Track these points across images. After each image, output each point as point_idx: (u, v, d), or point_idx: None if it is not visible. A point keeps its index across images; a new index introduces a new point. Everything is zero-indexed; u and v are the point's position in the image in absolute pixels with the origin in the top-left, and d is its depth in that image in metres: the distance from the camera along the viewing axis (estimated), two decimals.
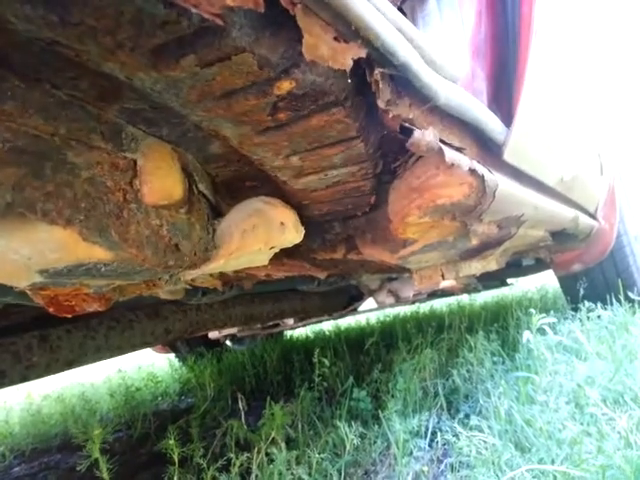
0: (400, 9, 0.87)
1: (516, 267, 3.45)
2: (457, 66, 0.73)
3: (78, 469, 1.44)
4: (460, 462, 1.15)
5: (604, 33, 2.16)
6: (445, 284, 3.55)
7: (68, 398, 3.55)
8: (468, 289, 3.56)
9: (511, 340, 2.56)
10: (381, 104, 0.57)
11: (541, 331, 2.57)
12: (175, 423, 2.40)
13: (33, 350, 1.32)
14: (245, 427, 1.73)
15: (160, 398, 3.39)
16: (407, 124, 0.63)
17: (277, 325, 3.81)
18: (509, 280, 3.89)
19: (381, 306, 3.72)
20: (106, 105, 0.52)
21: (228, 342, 4.68)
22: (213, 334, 3.83)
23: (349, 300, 3.63)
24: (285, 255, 1.07)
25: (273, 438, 1.33)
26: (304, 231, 0.82)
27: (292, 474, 1.04)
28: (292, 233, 0.77)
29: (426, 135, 0.64)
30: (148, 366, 4.37)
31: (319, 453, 1.11)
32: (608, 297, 2.84)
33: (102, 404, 3.39)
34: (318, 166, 0.76)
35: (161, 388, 3.53)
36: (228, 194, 0.88)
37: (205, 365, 3.76)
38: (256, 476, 1.19)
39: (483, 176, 0.83)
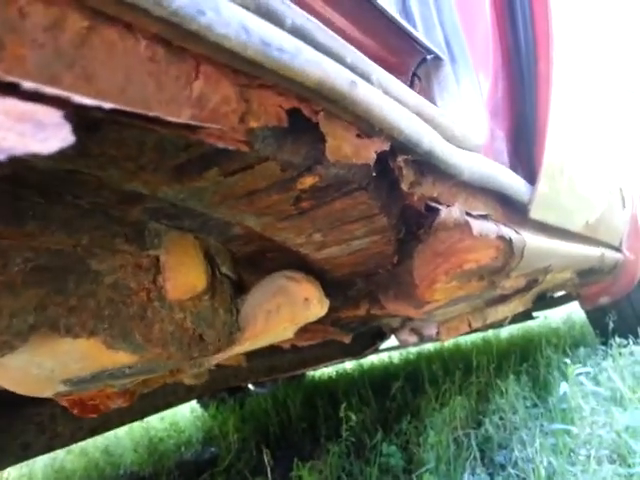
0: (415, 74, 0.88)
1: (541, 300, 3.36)
2: (477, 134, 0.72)
3: None
4: None
5: (620, 69, 2.15)
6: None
7: (92, 452, 3.50)
8: (493, 325, 3.48)
9: (542, 380, 2.47)
10: (404, 187, 0.56)
11: (570, 382, 2.48)
12: (200, 476, 2.35)
13: (57, 420, 1.30)
14: None
15: (183, 448, 3.32)
16: (432, 203, 0.61)
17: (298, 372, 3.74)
18: (535, 313, 3.80)
19: (404, 344, 3.65)
20: (128, 208, 0.51)
21: (250, 386, 4.62)
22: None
23: (371, 340, 3.57)
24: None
25: None
26: (328, 302, 0.80)
27: None
28: (317, 308, 0.75)
29: (452, 212, 0.63)
30: (171, 415, 4.33)
31: None
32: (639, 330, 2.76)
33: (125, 457, 3.34)
34: (341, 239, 0.75)
35: (184, 437, 3.47)
36: (249, 267, 0.87)
37: (228, 412, 3.69)
38: None
39: (510, 239, 0.81)
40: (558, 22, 0.97)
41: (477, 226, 0.69)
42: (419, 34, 0.69)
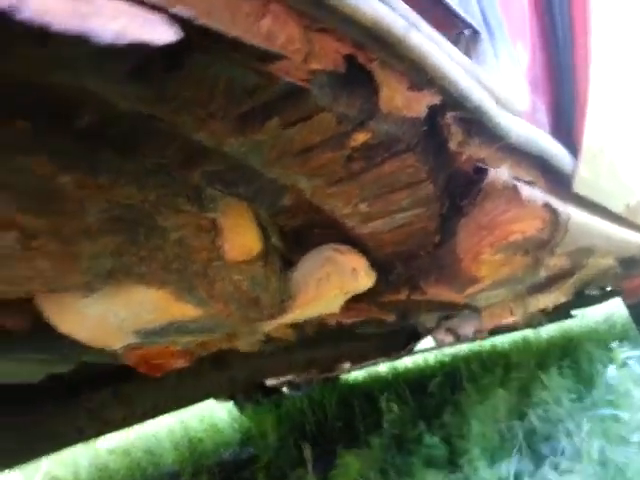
0: None
1: (580, 298, 3.29)
2: (521, 100, 0.73)
3: None
4: None
5: None
6: (508, 319, 3.40)
7: (134, 452, 3.57)
8: (532, 323, 3.41)
9: (585, 375, 2.41)
10: (452, 146, 0.57)
11: (617, 366, 2.41)
12: (239, 474, 2.37)
13: (108, 405, 1.35)
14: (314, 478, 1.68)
15: (222, 448, 3.36)
16: (479, 164, 0.62)
17: (334, 369, 3.74)
18: (573, 312, 3.71)
19: (440, 345, 3.61)
20: (189, 170, 0.54)
21: (285, 389, 4.63)
22: (270, 381, 3.81)
23: (407, 340, 3.55)
24: (352, 300, 1.06)
25: None
26: (374, 275, 0.82)
27: None
28: (364, 279, 0.77)
29: (500, 174, 0.64)
30: (209, 416, 4.38)
31: None
32: None
33: (166, 457, 3.39)
34: (385, 210, 0.76)
35: (222, 438, 3.51)
36: (296, 242, 0.89)
37: (264, 413, 3.72)
38: None
39: (556, 209, 0.81)
40: None
41: (525, 191, 0.70)
42: (456, 7, 0.70)
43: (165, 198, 0.52)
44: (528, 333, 4.44)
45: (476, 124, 0.58)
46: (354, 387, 4.13)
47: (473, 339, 3.58)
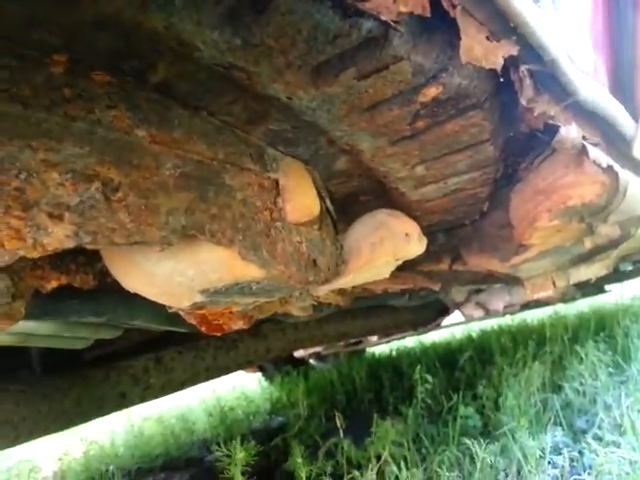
0: None
1: (615, 273, 3.22)
2: (586, 59, 0.69)
3: None
4: None
5: None
6: (547, 292, 3.35)
7: (167, 419, 3.67)
8: (565, 298, 3.36)
9: (622, 349, 2.37)
10: (524, 101, 0.55)
11: None
12: (271, 441, 2.41)
13: (150, 372, 1.38)
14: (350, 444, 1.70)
15: (252, 417, 3.42)
16: (550, 121, 0.60)
17: (360, 342, 3.77)
18: (607, 287, 3.64)
19: (469, 319, 3.58)
20: (253, 128, 0.54)
21: (312, 360, 4.68)
22: (298, 353, 3.86)
23: (436, 314, 3.53)
24: (396, 269, 1.06)
25: (385, 457, 1.30)
26: (426, 240, 0.80)
27: None
28: (417, 244, 0.76)
29: (571, 131, 0.61)
30: (240, 386, 4.47)
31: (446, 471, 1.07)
32: None
33: (199, 424, 3.47)
34: (441, 174, 0.74)
35: (253, 407, 3.58)
36: (341, 210, 0.88)
37: (295, 383, 3.77)
38: None
39: (617, 174, 0.78)
40: None
41: (592, 152, 0.67)
42: None
43: (232, 156, 0.51)
44: (559, 309, 4.37)
45: (548, 79, 0.55)
46: (382, 361, 4.15)
47: (503, 314, 3.54)
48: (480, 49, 0.45)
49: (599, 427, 1.53)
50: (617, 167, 0.77)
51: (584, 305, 4.66)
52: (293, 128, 0.56)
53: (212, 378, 1.60)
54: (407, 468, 1.14)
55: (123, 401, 1.40)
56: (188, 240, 0.47)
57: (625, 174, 0.84)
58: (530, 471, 1.13)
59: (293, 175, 0.59)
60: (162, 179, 0.43)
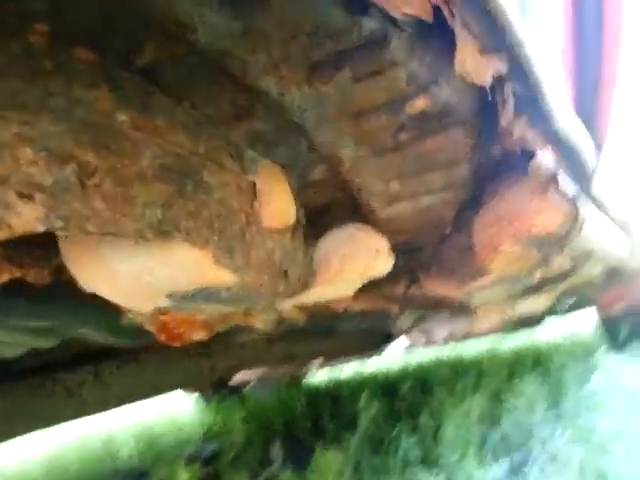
0: None
1: (549, 308, 3.36)
2: (562, 85, 0.72)
3: None
4: None
5: None
6: (482, 324, 3.45)
7: (89, 444, 3.42)
8: (505, 329, 3.47)
9: (558, 386, 2.44)
10: (504, 122, 0.56)
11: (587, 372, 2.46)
12: (203, 469, 2.28)
13: (86, 386, 1.29)
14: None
15: (184, 444, 3.26)
16: (526, 146, 0.61)
17: (304, 365, 3.71)
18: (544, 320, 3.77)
19: (413, 346, 3.62)
20: (236, 125, 0.51)
21: (249, 387, 4.57)
22: (236, 379, 3.75)
23: (382, 340, 3.54)
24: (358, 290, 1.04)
25: None
26: (393, 258, 0.80)
27: None
28: (385, 261, 0.75)
29: (545, 157, 0.63)
30: (171, 412, 4.27)
31: None
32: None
33: (124, 451, 3.26)
34: (414, 192, 0.74)
35: (185, 433, 3.41)
36: (311, 223, 0.86)
37: (231, 409, 3.64)
38: None
39: (578, 205, 0.80)
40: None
41: (562, 179, 0.69)
42: None
43: (212, 152, 0.48)
44: (496, 344, 4.48)
45: (527, 102, 0.57)
46: (320, 390, 4.09)
47: (446, 342, 3.61)
48: (472, 63, 0.45)
49: (534, 462, 1.56)
50: (578, 198, 0.80)
51: (520, 342, 4.81)
52: (276, 130, 0.54)
53: (153, 395, 1.51)
54: None
55: (56, 417, 1.29)
56: (161, 237, 0.43)
57: (583, 207, 0.87)
58: None
59: (271, 179, 0.57)
60: (141, 169, 0.40)
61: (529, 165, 0.64)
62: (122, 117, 0.37)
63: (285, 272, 0.60)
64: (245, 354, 1.83)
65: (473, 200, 0.90)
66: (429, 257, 1.21)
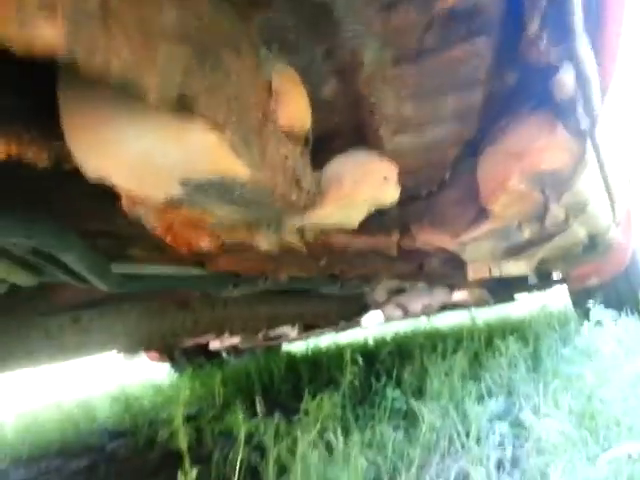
0: None
1: (524, 283, 3.42)
2: None
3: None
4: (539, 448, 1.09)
5: None
6: (457, 297, 3.51)
7: (66, 407, 3.39)
8: (479, 302, 3.52)
9: (533, 350, 2.49)
10: (531, 31, 0.54)
11: (563, 340, 2.51)
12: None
13: (65, 330, 1.25)
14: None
15: (160, 407, 3.25)
16: (551, 62, 0.59)
17: (279, 337, 3.73)
18: (516, 296, 3.85)
19: (389, 319, 3.66)
20: (254, 12, 0.48)
21: (226, 355, 4.57)
22: (214, 345, 3.73)
23: (358, 310, 3.58)
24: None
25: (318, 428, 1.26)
26: (399, 188, 0.78)
27: (367, 458, 0.98)
28: (392, 190, 0.73)
29: (568, 76, 0.61)
30: (148, 378, 4.24)
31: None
32: (622, 313, 2.82)
33: (101, 413, 3.24)
34: (424, 119, 0.72)
35: (161, 397, 3.39)
36: (314, 152, 0.84)
37: (208, 375, 3.63)
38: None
39: (586, 144, 0.80)
40: None
41: (579, 112, 0.68)
42: None
43: (231, 34, 0.45)
44: (468, 317, 4.55)
45: (551, 15, 0.55)
46: (299, 357, 4.11)
47: (421, 314, 3.65)
48: None
49: (521, 411, 1.58)
50: (587, 137, 0.79)
51: (492, 316, 4.90)
52: (294, 27, 0.51)
53: (133, 346, 1.48)
54: (345, 435, 1.11)
55: (31, 358, 1.26)
56: (178, 114, 0.40)
57: (588, 145, 0.86)
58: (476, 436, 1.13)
59: (287, 81, 0.54)
60: (162, 24, 0.36)
61: (552, 82, 0.63)
62: None
63: (298, 181, 0.58)
64: (228, 311, 1.81)
65: (473, 148, 0.89)
66: (423, 209, 1.20)
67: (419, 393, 1.80)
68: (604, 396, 1.24)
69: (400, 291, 3.33)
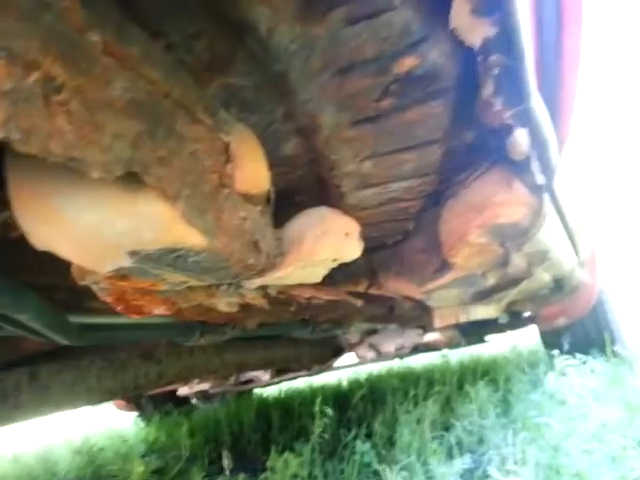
0: None
1: (495, 324, 3.44)
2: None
3: None
4: None
5: None
6: (429, 338, 3.51)
7: (24, 460, 3.20)
8: (451, 344, 3.52)
9: (503, 394, 2.49)
10: (485, 94, 0.56)
11: (533, 383, 2.52)
12: None
13: (22, 389, 1.19)
14: None
15: (125, 459, 3.09)
16: (506, 121, 0.61)
17: (251, 381, 3.63)
18: (487, 337, 3.87)
19: (362, 361, 3.63)
20: (212, 77, 0.48)
21: (196, 401, 4.43)
22: (182, 390, 3.62)
23: (332, 353, 3.53)
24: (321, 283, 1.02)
25: None
26: (362, 244, 0.78)
27: None
28: (355, 246, 0.73)
29: (522, 136, 0.63)
30: (112, 426, 4.05)
31: None
32: (591, 352, 2.85)
33: (62, 466, 3.06)
34: (385, 175, 0.73)
35: (126, 448, 3.24)
36: (275, 209, 0.83)
37: (175, 423, 3.50)
38: None
39: (543, 198, 0.81)
40: None
41: (534, 168, 0.70)
42: None
43: (186, 100, 0.45)
44: (441, 357, 4.55)
45: (506, 77, 0.56)
46: (271, 402, 4.01)
47: (394, 356, 3.63)
48: (465, 20, 0.44)
49: (489, 464, 1.56)
50: (544, 191, 0.81)
51: (464, 356, 4.91)
52: (254, 88, 0.51)
53: (95, 402, 1.41)
54: None
55: None
56: (127, 185, 0.39)
57: (546, 200, 0.88)
58: None
59: (245, 144, 0.54)
60: (111, 98, 0.35)
61: (507, 142, 0.64)
62: (94, 37, 0.33)
63: (256, 244, 0.57)
64: (195, 360, 1.75)
65: (435, 199, 0.90)
66: (390, 257, 1.21)
67: (390, 444, 1.77)
68: (570, 448, 1.23)
69: (373, 332, 3.31)
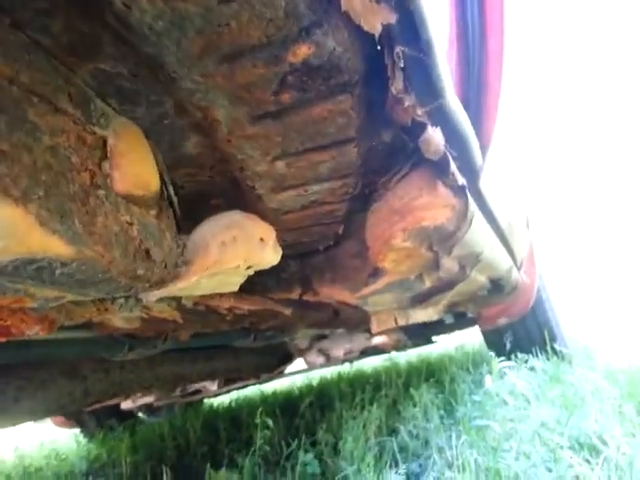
0: None
1: (440, 325, 3.49)
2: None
3: None
4: None
5: None
6: (377, 341, 3.52)
7: None
8: (398, 346, 3.55)
9: (449, 394, 2.51)
10: (394, 89, 0.52)
11: (476, 383, 2.56)
12: None
13: None
14: None
15: (65, 479, 2.93)
16: (417, 118, 0.57)
17: (198, 392, 3.52)
18: (434, 338, 3.92)
19: (311, 367, 3.59)
20: (78, 62, 0.42)
21: (141, 414, 4.27)
22: (126, 404, 3.46)
23: (280, 361, 3.48)
24: (243, 291, 0.96)
25: None
26: (281, 251, 0.73)
27: None
28: (271, 252, 0.67)
29: (436, 134, 0.59)
30: (51, 443, 3.83)
31: None
32: (532, 350, 2.93)
33: None
34: (302, 177, 0.68)
35: (66, 467, 3.06)
36: (187, 214, 0.77)
37: (118, 439, 3.35)
38: None
39: (467, 198, 0.79)
40: None
41: (452, 168, 0.67)
42: None
43: (41, 86, 0.38)
44: (390, 359, 4.59)
45: (417, 71, 0.53)
46: (220, 412, 3.91)
47: (343, 361, 3.62)
48: (359, 4, 0.40)
49: (432, 469, 1.55)
50: (467, 192, 0.79)
51: (412, 356, 4.97)
52: (132, 77, 0.45)
53: (12, 424, 1.30)
54: None
55: None
56: None
57: (472, 202, 0.86)
58: None
59: (127, 138, 0.48)
60: None
61: (420, 140, 0.61)
62: None
63: (147, 252, 0.50)
64: (125, 376, 1.65)
65: (364, 199, 0.87)
66: (323, 263, 1.17)
67: (334, 453, 1.73)
68: (508, 450, 1.23)
69: (322, 337, 3.28)
